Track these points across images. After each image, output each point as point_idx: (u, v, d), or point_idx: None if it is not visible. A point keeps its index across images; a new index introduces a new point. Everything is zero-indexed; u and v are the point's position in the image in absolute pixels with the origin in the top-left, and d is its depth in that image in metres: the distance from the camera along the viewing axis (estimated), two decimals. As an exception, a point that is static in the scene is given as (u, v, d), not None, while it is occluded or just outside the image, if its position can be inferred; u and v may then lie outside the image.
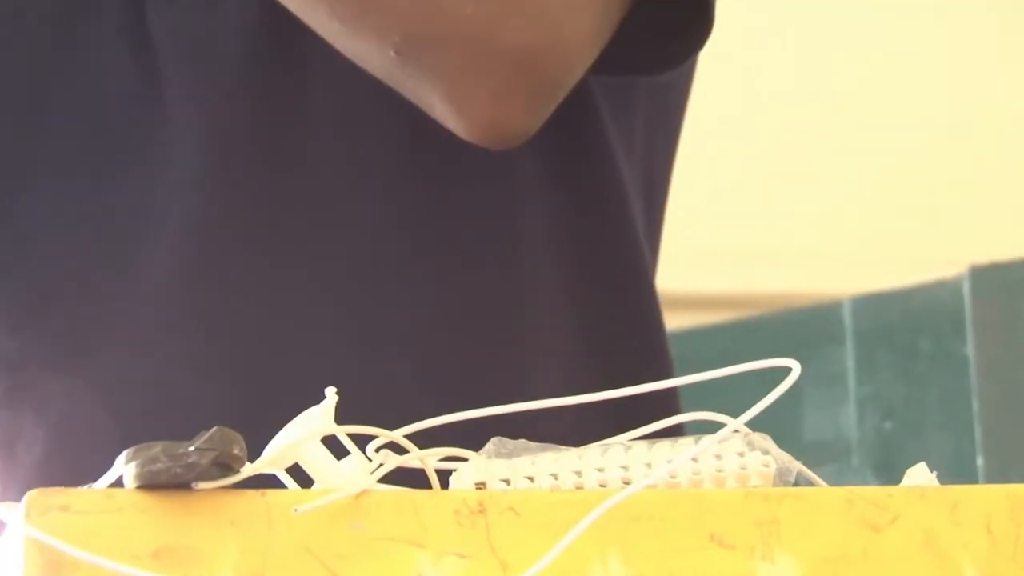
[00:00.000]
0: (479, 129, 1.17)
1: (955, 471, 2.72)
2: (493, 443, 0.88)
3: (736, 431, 0.86)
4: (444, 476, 0.88)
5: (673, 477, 0.85)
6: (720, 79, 1.48)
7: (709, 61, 1.43)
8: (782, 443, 0.93)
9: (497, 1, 1.15)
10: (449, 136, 1.19)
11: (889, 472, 2.76)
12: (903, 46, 3.76)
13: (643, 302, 1.37)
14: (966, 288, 2.73)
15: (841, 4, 3.49)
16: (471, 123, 1.17)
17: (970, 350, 2.75)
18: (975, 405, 2.71)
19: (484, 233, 1.33)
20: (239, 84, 1.27)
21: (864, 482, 2.77)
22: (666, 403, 1.10)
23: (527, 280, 1.33)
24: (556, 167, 1.33)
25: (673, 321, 1.46)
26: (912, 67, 3.75)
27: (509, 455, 0.87)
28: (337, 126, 1.27)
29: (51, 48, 1.37)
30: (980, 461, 2.68)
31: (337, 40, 1.19)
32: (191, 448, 0.79)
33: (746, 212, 2.88)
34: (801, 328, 2.95)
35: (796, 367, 0.88)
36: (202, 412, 1.07)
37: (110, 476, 0.82)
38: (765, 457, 0.87)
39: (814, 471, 0.96)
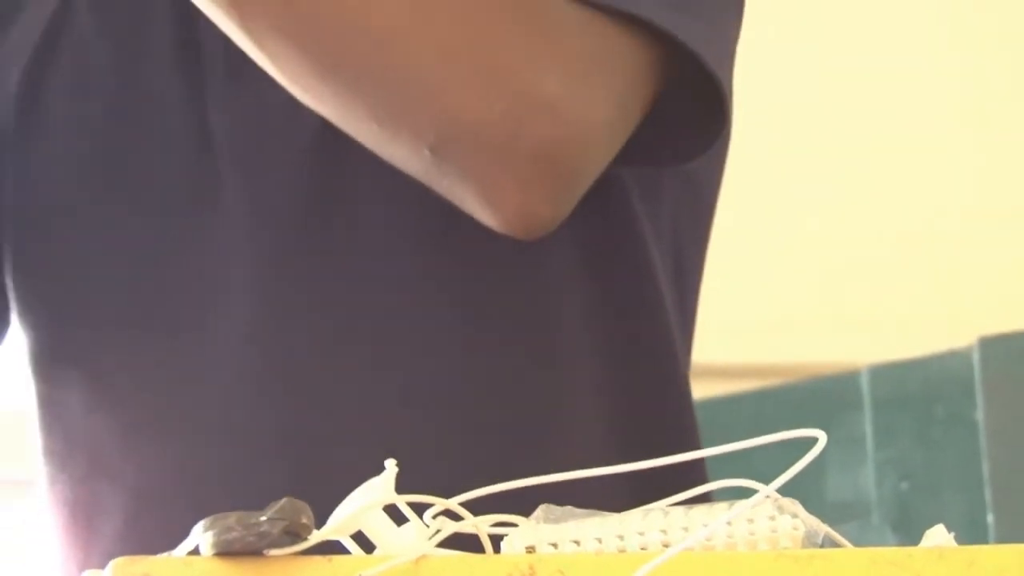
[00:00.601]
0: (508, 221, 1.17)
1: (967, 529, 2.75)
2: (541, 509, 0.87)
3: (767, 496, 0.85)
4: (496, 540, 0.87)
5: (709, 540, 0.84)
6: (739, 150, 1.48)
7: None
8: (806, 503, 0.92)
9: (522, 100, 1.14)
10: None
11: (907, 529, 2.79)
12: (918, 119, 3.71)
13: (671, 385, 1.35)
14: (976, 357, 2.73)
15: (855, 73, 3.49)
16: (501, 216, 1.17)
17: (980, 415, 2.75)
18: (985, 467, 2.71)
19: (521, 314, 1.32)
20: (291, 171, 1.26)
21: (883, 539, 2.83)
22: (695, 472, 1.10)
23: (562, 358, 1.32)
24: (589, 255, 1.32)
25: (699, 390, 1.44)
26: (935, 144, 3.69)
27: (556, 520, 0.86)
28: (382, 210, 1.25)
29: (124, 129, 1.34)
30: (991, 519, 2.69)
31: (376, 144, 1.19)
32: (263, 518, 0.78)
33: (769, 286, 2.88)
34: (822, 396, 2.92)
35: (822, 437, 0.86)
36: (267, 481, 1.10)
37: (188, 544, 0.82)
38: (794, 521, 0.86)
39: (836, 529, 0.93)
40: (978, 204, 3.58)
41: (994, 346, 2.75)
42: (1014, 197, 3.59)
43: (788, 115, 3.33)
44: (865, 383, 2.80)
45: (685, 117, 1.25)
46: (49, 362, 1.35)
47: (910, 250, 3.41)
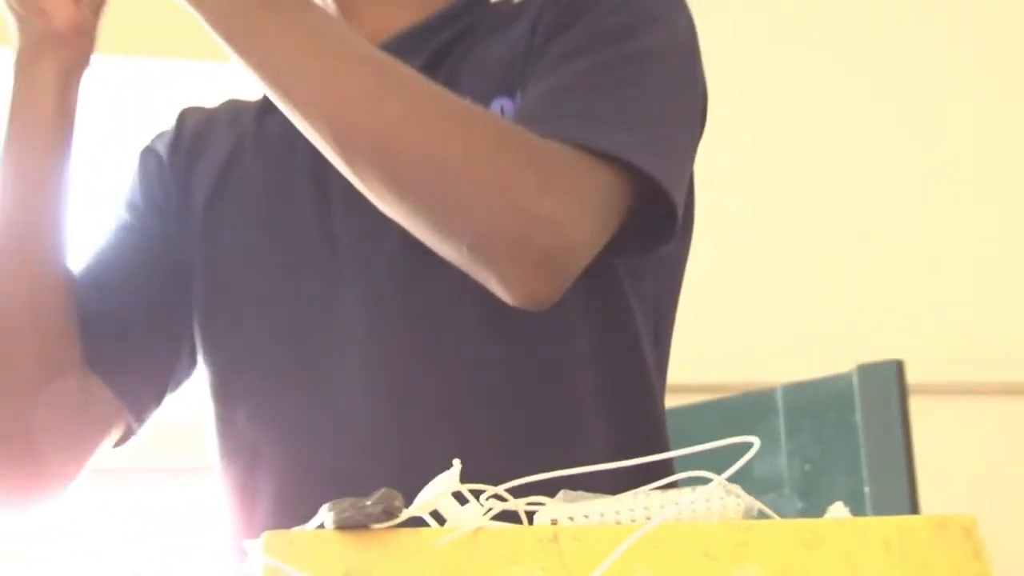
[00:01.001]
0: (519, 300, 1.15)
1: (850, 499, 2.60)
2: (562, 493, 0.87)
3: (719, 484, 0.86)
4: (530, 516, 0.87)
5: (679, 515, 0.85)
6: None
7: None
8: (740, 478, 0.92)
9: (529, 220, 1.11)
10: None
11: (809, 499, 2.68)
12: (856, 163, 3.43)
13: (650, 407, 1.33)
14: (855, 379, 2.63)
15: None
16: (514, 296, 1.14)
17: (858, 420, 2.64)
18: (863, 455, 2.60)
19: (548, 361, 1.29)
20: (390, 263, 1.24)
21: (792, 505, 2.70)
22: (667, 466, 1.06)
23: (576, 390, 1.29)
24: (593, 320, 1.29)
25: (668, 401, 1.41)
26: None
27: (572, 501, 0.87)
28: (454, 287, 1.20)
29: (276, 232, 1.34)
30: (867, 491, 2.60)
31: (432, 243, 1.16)
32: (368, 502, 0.80)
33: (714, 326, 2.82)
34: (751, 405, 2.83)
35: (756, 442, 0.87)
36: (374, 474, 1.09)
37: (316, 520, 0.82)
38: (738, 500, 0.87)
39: (760, 498, 0.94)
40: (863, 263, 3.35)
41: (868, 371, 2.64)
42: (890, 256, 3.34)
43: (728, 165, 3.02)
44: (780, 397, 2.73)
45: (651, 220, 1.21)
46: (224, 390, 1.33)
47: (808, 300, 3.24)
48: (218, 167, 1.39)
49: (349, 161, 1.14)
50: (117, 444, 1.35)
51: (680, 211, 1.19)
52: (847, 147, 3.31)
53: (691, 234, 1.35)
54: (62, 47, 1.26)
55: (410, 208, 1.14)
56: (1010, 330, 3.23)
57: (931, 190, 3.32)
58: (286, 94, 1.14)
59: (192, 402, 1.38)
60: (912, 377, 2.50)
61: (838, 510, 0.91)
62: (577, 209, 1.15)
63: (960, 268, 3.28)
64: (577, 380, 1.29)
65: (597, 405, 1.29)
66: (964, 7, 3.47)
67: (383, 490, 0.81)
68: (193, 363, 1.37)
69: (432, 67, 1.27)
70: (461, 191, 1.12)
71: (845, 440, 2.61)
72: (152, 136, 1.45)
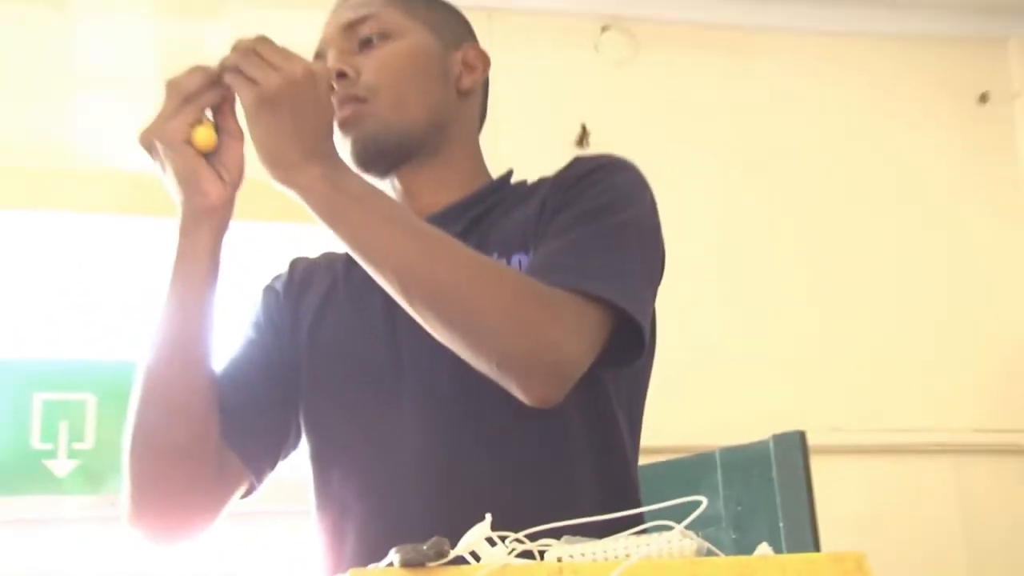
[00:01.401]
0: (534, 400, 1.13)
1: (770, 533, 2.53)
2: (565, 538, 0.86)
3: (678, 530, 0.85)
4: (542, 554, 0.85)
5: (650, 554, 0.84)
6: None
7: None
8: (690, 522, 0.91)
9: (540, 344, 1.11)
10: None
11: (741, 533, 2.59)
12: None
13: (626, 472, 1.30)
14: (772, 445, 2.51)
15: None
16: (530, 398, 1.12)
17: (774, 475, 2.52)
18: (778, 501, 2.48)
19: (553, 441, 1.26)
20: (443, 372, 1.21)
21: (728, 536, 2.67)
22: (639, 517, 1.07)
23: (573, 460, 1.27)
24: (585, 412, 1.25)
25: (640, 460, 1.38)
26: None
27: (573, 543, 0.85)
28: (492, 390, 1.16)
29: (357, 348, 1.31)
30: (781, 526, 2.56)
31: (468, 360, 1.14)
32: (425, 546, 0.79)
33: (669, 401, 2.78)
34: (698, 463, 2.69)
35: (704, 501, 0.86)
36: (430, 523, 1.01)
37: (387, 560, 0.81)
38: (692, 542, 0.85)
39: (704, 531, 0.92)
40: (772, 362, 3.11)
41: (780, 439, 2.49)
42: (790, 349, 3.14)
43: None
44: (718, 457, 2.62)
45: (624, 343, 1.19)
46: (321, 459, 1.31)
47: (738, 388, 3.03)
48: (318, 301, 1.37)
49: (411, 303, 1.13)
50: (243, 496, 1.31)
51: (646, 335, 1.18)
52: (748, 283, 3.10)
53: (654, 351, 1.32)
54: (213, 217, 1.22)
55: (454, 336, 1.12)
56: (880, 407, 3.06)
57: (808, 310, 3.14)
58: (365, 257, 1.13)
59: (295, 464, 1.38)
60: (812, 441, 2.41)
61: (763, 549, 0.89)
62: (574, 337, 1.13)
63: (841, 362, 3.11)
64: (575, 456, 1.25)
65: (590, 473, 1.26)
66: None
67: (435, 537, 0.80)
68: (298, 439, 1.34)
69: (468, 233, 1.25)
70: (491, 326, 1.11)
71: (765, 489, 2.50)
72: (272, 277, 1.43)
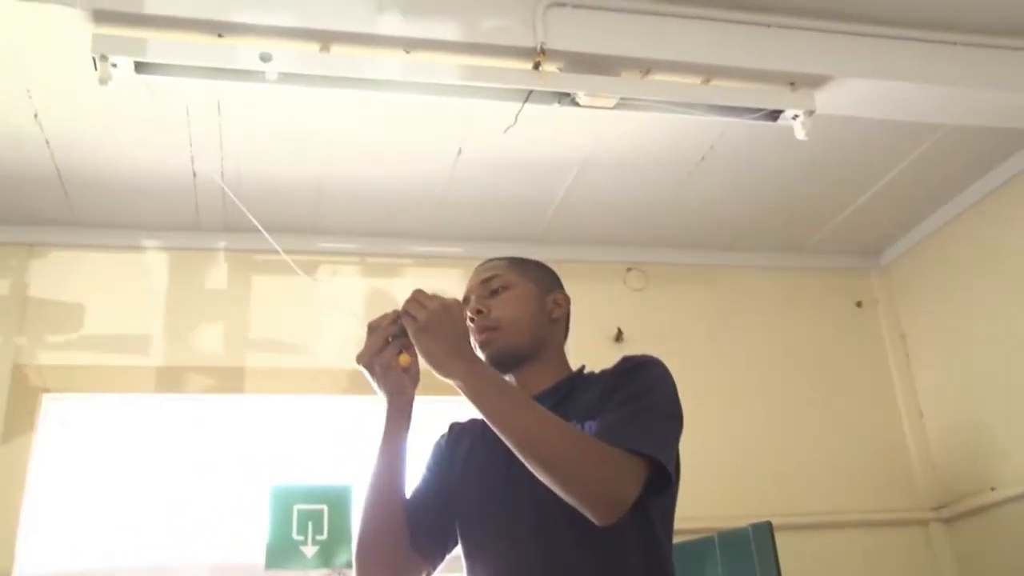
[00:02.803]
0: (600, 521, 1.19)
1: None
2: None
3: None
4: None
5: None
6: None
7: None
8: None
9: (605, 487, 1.20)
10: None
11: None
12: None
13: (663, 565, 1.32)
14: (750, 531, 2.62)
15: None
16: (598, 519, 1.19)
17: (753, 550, 2.57)
18: (756, 570, 2.56)
19: (608, 550, 1.27)
20: (544, 501, 1.25)
21: None
22: None
23: (626, 566, 1.29)
24: (636, 528, 1.28)
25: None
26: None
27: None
28: (572, 515, 1.23)
29: (487, 485, 1.41)
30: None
31: (556, 491, 1.21)
32: None
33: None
34: (700, 545, 2.74)
35: None
36: None
37: None
38: None
39: None
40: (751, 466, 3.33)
41: (756, 527, 2.60)
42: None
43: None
44: (716, 540, 2.74)
45: (659, 478, 1.25)
46: (468, 556, 1.40)
47: (731, 488, 3.20)
48: (465, 451, 1.45)
49: (524, 455, 1.22)
50: None
51: (673, 475, 1.26)
52: (723, 417, 3.33)
53: (679, 479, 1.36)
54: (407, 406, 1.37)
55: (550, 478, 1.20)
56: (830, 494, 3.33)
57: (764, 434, 3.38)
58: (495, 423, 1.24)
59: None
60: (780, 520, 2.66)
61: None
62: (625, 480, 1.21)
63: (811, 458, 3.37)
64: (629, 561, 1.29)
65: (641, 570, 1.29)
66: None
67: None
68: (456, 544, 1.42)
69: (556, 408, 1.32)
70: (575, 474, 1.20)
71: (747, 562, 2.64)
72: (439, 435, 1.53)
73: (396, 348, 1.32)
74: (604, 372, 1.40)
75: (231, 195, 2.79)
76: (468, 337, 1.28)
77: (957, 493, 3.36)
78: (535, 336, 1.44)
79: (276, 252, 2.92)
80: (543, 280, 1.52)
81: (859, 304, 3.76)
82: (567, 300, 1.52)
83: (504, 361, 1.42)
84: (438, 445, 1.51)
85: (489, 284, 1.47)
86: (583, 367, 1.49)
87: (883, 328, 3.75)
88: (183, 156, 2.76)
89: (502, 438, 1.22)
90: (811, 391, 3.56)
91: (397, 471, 1.35)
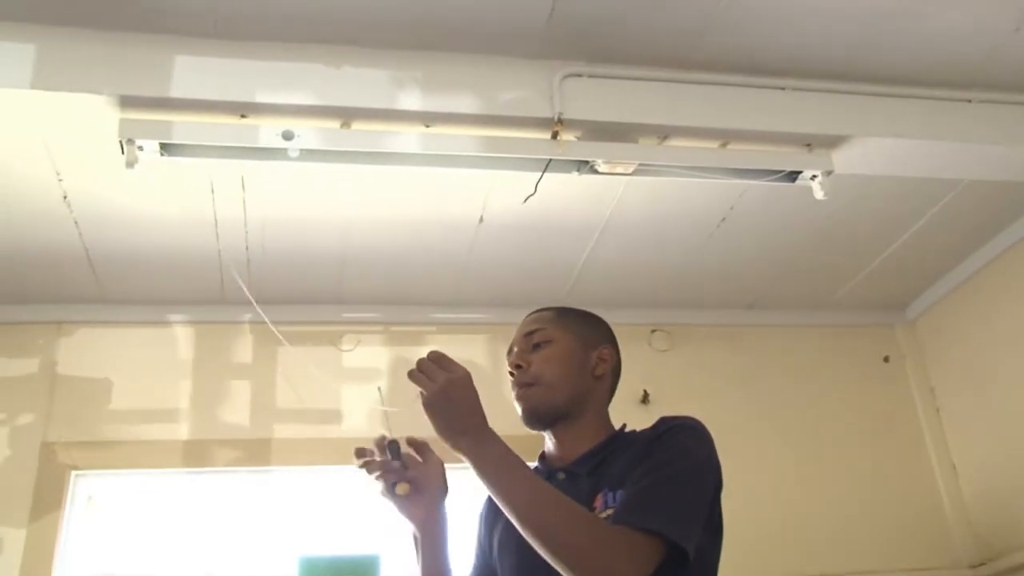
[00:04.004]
0: None
1: None
2: None
3: None
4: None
5: None
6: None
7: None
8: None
9: (600, 568, 1.21)
10: None
11: None
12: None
13: None
14: None
15: None
16: None
17: None
18: None
19: None
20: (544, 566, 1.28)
21: None
22: None
23: None
24: None
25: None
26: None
27: None
28: None
29: (509, 547, 1.45)
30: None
31: (563, 572, 1.23)
32: None
33: None
34: None
35: None
36: None
37: None
38: None
39: None
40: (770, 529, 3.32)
41: None
42: None
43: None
44: None
45: (680, 553, 1.25)
46: None
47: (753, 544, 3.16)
48: (502, 523, 1.48)
49: (524, 531, 1.26)
50: None
51: (690, 554, 1.24)
52: (755, 472, 3.34)
53: (721, 538, 1.37)
54: (428, 519, 1.50)
55: (551, 559, 1.23)
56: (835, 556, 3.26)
57: (796, 491, 3.36)
58: (497, 498, 1.29)
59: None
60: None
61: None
62: (634, 562, 1.22)
63: (820, 528, 3.32)
64: None
65: None
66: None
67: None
68: None
69: (592, 473, 1.39)
70: (575, 558, 1.21)
71: None
72: (482, 505, 1.59)
73: (390, 485, 1.41)
74: (642, 433, 1.41)
75: (234, 274, 2.83)
76: (475, 410, 1.29)
77: (996, 550, 3.32)
78: (574, 394, 1.45)
79: (302, 323, 3.05)
80: (588, 334, 1.52)
81: (886, 359, 3.77)
82: (613, 355, 1.52)
83: (541, 418, 1.44)
84: (480, 517, 1.56)
85: (531, 338, 1.49)
86: (624, 426, 1.49)
87: (912, 382, 3.75)
88: (208, 232, 2.82)
89: (507, 514, 1.25)
90: (842, 449, 3.56)
91: (441, 563, 1.43)
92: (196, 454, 3.08)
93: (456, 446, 1.28)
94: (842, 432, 3.58)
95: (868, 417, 3.64)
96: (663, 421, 1.37)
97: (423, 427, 1.37)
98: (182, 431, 3.09)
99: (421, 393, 1.29)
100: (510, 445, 1.31)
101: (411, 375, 1.30)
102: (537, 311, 1.54)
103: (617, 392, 1.59)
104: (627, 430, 1.47)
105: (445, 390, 1.27)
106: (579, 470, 1.38)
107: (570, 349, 1.48)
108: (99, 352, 3.14)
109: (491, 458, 1.27)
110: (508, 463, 1.27)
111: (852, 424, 3.60)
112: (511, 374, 1.46)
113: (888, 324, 3.82)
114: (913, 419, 3.67)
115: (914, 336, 3.78)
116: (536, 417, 1.45)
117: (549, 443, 1.49)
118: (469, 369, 1.32)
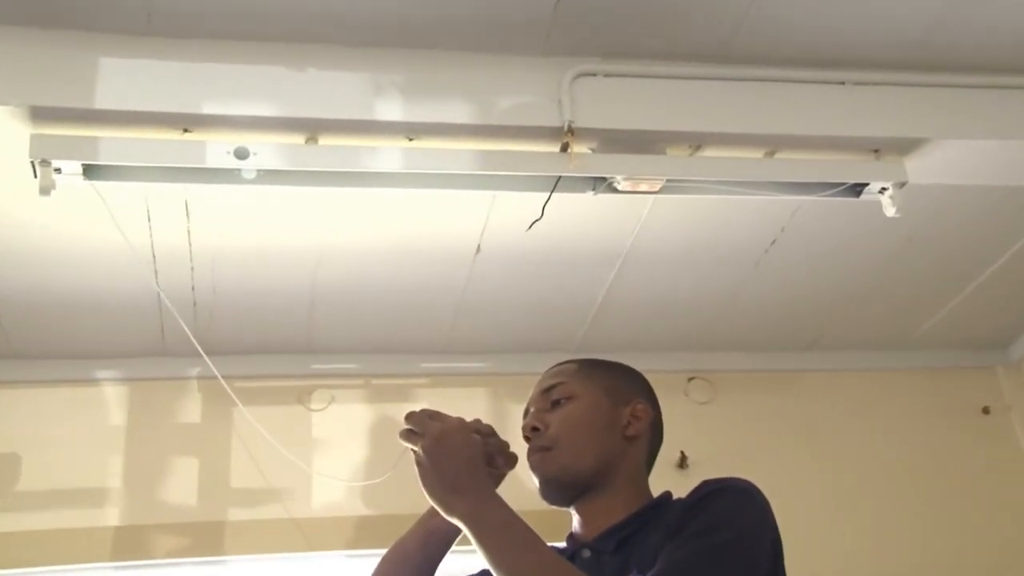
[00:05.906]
0: None
1: None
2: None
3: None
4: None
5: None
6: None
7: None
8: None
9: None
10: None
11: None
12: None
13: None
14: None
15: None
16: None
17: None
18: None
19: None
20: None
21: None
22: None
23: None
24: None
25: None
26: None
27: None
28: None
29: None
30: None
31: None
32: None
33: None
34: None
35: None
36: None
37: None
38: None
39: None
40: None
41: None
42: None
43: None
44: None
45: None
46: None
47: None
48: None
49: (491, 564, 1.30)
50: None
51: None
52: (817, 536, 3.36)
53: None
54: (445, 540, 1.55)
55: None
56: None
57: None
58: (492, 567, 1.32)
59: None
60: None
61: None
62: None
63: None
64: None
65: None
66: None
67: None
68: None
69: (617, 551, 1.41)
70: None
71: None
72: None
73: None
74: (681, 500, 1.42)
75: (175, 312, 2.76)
76: (475, 465, 1.32)
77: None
78: (601, 459, 1.47)
79: (263, 378, 3.07)
80: (618, 388, 1.54)
81: (986, 410, 3.80)
82: (649, 411, 1.54)
83: (561, 490, 1.46)
84: None
85: (550, 394, 1.52)
86: (666, 494, 1.50)
87: (1020, 436, 3.78)
88: (144, 270, 2.79)
89: None
90: (931, 515, 3.59)
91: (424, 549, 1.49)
92: (130, 544, 3.04)
93: (451, 510, 1.30)
94: (933, 499, 3.61)
95: (963, 479, 3.67)
96: (705, 484, 1.39)
97: (405, 502, 1.44)
98: (112, 516, 3.06)
99: (414, 451, 1.32)
100: (527, 521, 1.35)
101: (402, 434, 1.35)
102: (558, 364, 1.58)
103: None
104: (673, 498, 1.50)
105: (440, 440, 1.30)
106: (604, 547, 1.40)
107: (596, 405, 1.51)
108: (5, 420, 3.11)
109: (494, 523, 1.29)
110: (514, 531, 1.29)
111: (943, 487, 3.64)
112: (527, 438, 1.49)
113: (986, 367, 3.86)
114: (1020, 480, 3.71)
115: (1019, 381, 3.81)
116: (555, 488, 1.47)
117: (575, 521, 1.52)
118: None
